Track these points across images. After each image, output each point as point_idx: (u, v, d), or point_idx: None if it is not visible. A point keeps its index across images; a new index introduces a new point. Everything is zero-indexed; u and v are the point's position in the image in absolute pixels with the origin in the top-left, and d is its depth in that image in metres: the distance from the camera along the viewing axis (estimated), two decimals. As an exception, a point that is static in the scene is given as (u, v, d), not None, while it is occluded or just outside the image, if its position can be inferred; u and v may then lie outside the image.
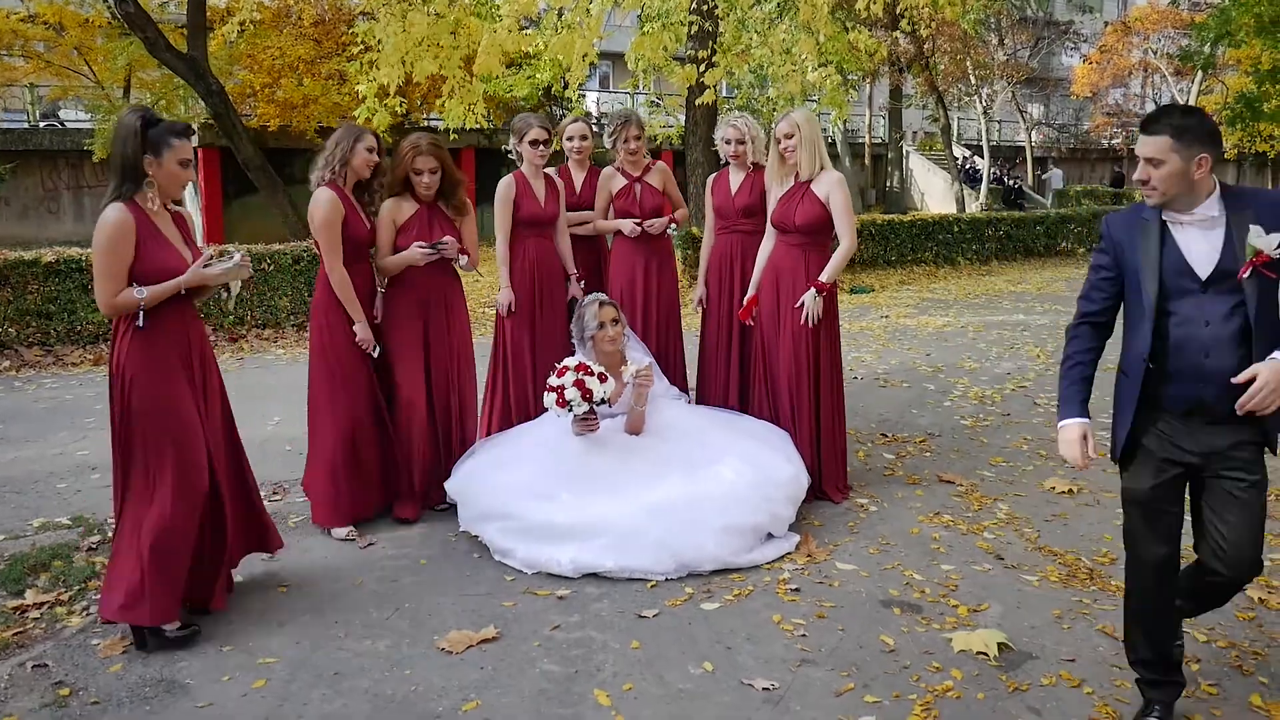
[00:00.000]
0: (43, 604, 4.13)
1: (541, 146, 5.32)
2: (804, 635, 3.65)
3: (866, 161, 30.86)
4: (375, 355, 4.74)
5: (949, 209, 24.21)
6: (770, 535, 4.45)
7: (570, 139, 5.83)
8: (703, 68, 12.28)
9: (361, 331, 4.66)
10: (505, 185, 5.38)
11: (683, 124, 17.78)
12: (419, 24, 9.94)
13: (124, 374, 3.56)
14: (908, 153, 30.58)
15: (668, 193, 5.79)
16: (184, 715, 3.20)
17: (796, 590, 4.03)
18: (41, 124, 22.58)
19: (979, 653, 3.51)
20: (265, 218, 18.01)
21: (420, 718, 3.14)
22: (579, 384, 4.24)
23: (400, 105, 12.69)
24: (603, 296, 4.73)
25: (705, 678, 3.36)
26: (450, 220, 4.93)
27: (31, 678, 3.46)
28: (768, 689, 3.28)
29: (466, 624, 3.74)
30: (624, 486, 4.33)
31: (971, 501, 5.11)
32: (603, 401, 4.30)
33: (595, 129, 5.90)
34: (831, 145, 29.14)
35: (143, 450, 3.58)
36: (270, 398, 7.52)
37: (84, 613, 3.99)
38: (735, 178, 5.61)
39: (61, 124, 22.96)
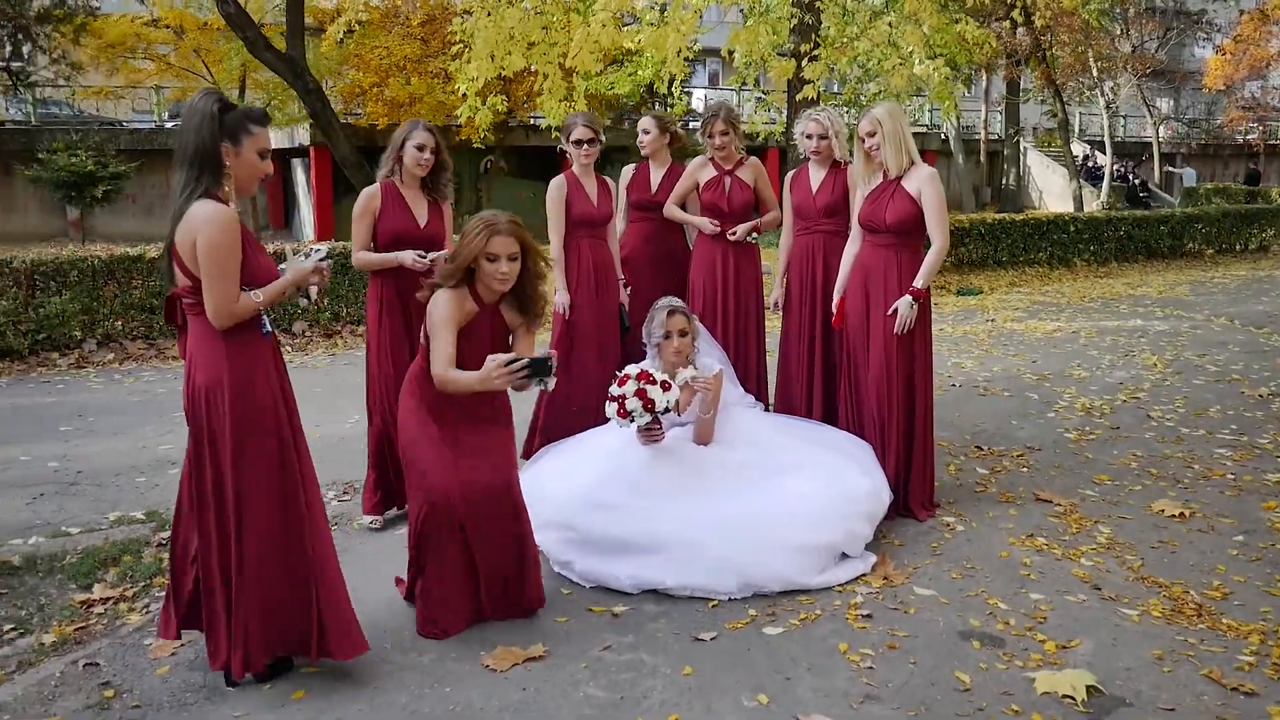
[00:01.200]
0: (108, 599, 4.15)
1: (586, 146, 5.23)
2: (871, 668, 3.38)
3: (982, 158, 29.85)
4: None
5: (1067, 208, 23.16)
6: (845, 555, 4.18)
7: (639, 134, 5.67)
8: (803, 62, 11.96)
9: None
10: (556, 185, 5.29)
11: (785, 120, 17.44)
12: (508, 18, 9.88)
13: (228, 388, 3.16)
14: (1025, 149, 29.44)
15: (759, 191, 5.55)
16: (220, 724, 3.13)
17: (868, 616, 3.76)
18: (168, 124, 23.55)
19: (1065, 696, 3.18)
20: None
21: (454, 740, 3.01)
22: (640, 393, 4.04)
23: (502, 103, 12.71)
24: (675, 303, 4.51)
25: (758, 711, 3.13)
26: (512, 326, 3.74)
27: (82, 676, 3.44)
28: (825, 727, 3.03)
29: (517, 639, 3.59)
30: (688, 499, 4.12)
31: (1069, 523, 4.73)
32: (666, 410, 4.09)
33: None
34: (944, 141, 28.28)
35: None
36: (355, 395, 7.54)
37: (144, 610, 3.99)
38: (816, 175, 5.34)
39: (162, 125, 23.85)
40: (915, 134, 27.51)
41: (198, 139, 3.08)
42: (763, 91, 18.42)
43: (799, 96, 12.37)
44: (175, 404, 7.31)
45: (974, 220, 15.41)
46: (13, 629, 4.01)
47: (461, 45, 12.73)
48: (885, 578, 4.10)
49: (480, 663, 3.44)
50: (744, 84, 17.69)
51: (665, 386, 4.06)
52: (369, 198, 4.63)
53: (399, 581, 3.98)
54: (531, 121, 22.75)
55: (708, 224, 5.41)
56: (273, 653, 3.33)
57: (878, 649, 3.51)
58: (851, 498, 4.23)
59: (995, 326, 10.76)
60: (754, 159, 5.55)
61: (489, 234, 3.45)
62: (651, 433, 4.19)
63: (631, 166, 5.85)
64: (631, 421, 4.10)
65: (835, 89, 19.55)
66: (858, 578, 4.09)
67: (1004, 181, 28.86)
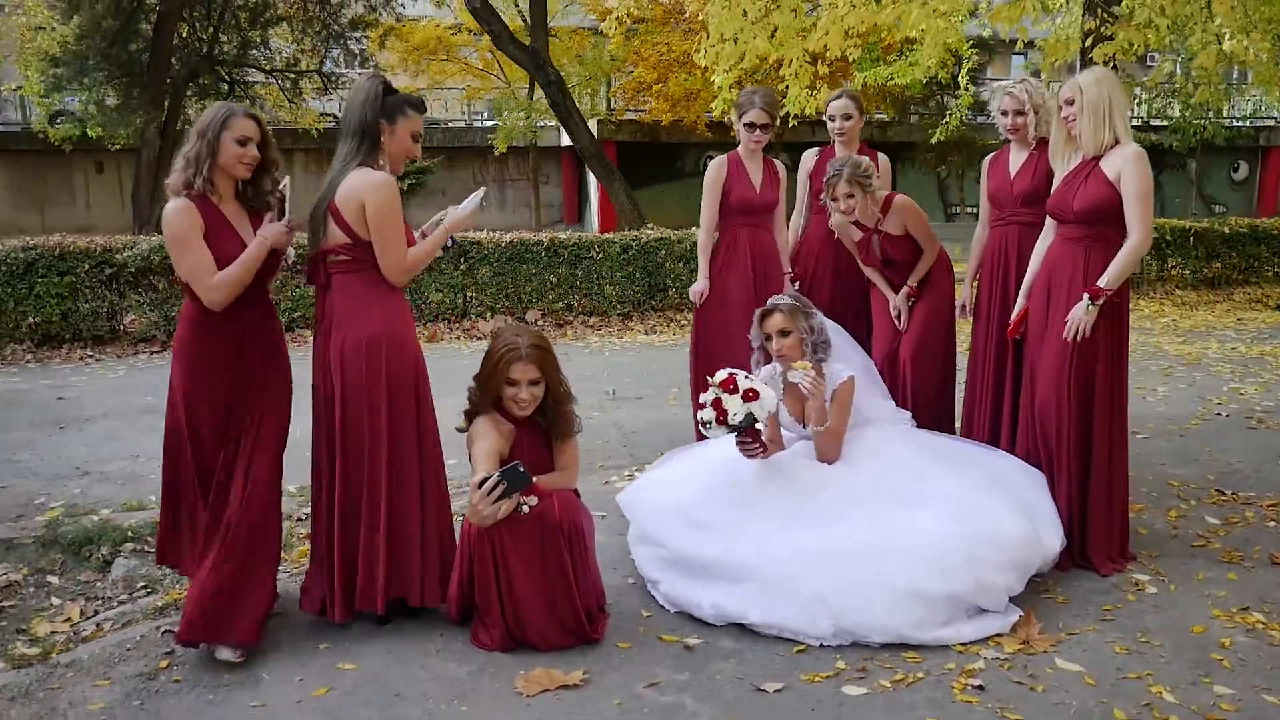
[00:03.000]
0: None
1: (759, 131, 4.77)
2: (953, 755, 2.74)
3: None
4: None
5: None
6: (983, 609, 3.48)
7: (831, 119, 5.11)
8: (1088, 41, 10.62)
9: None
10: (715, 166, 4.85)
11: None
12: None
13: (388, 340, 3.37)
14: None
15: (913, 235, 4.73)
16: (235, 711, 3.03)
17: (979, 688, 3.08)
18: (475, 122, 25.13)
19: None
20: (656, 208, 18.72)
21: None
22: (716, 403, 3.56)
23: (755, 92, 12.30)
24: (780, 300, 3.96)
25: (785, 789, 2.60)
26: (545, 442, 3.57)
27: (157, 643, 3.48)
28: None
29: (562, 662, 3.25)
30: (792, 525, 3.58)
31: (1308, 600, 3.71)
32: (743, 424, 3.57)
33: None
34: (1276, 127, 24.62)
35: None
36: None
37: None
38: (1016, 158, 4.57)
39: (484, 122, 25.37)
40: (1260, 127, 24.28)
41: (361, 115, 3.37)
42: (1058, 79, 16.73)
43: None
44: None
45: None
46: (144, 586, 4.21)
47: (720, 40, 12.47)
48: (1025, 641, 3.37)
49: (512, 681, 3.13)
50: (1037, 74, 16.18)
51: (749, 396, 3.53)
52: (187, 214, 3.23)
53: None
54: (816, 116, 22.17)
55: (892, 306, 4.79)
56: (392, 595, 3.45)
57: (975, 731, 2.85)
58: (992, 542, 3.51)
59: (1309, 348, 9.04)
60: (899, 198, 4.68)
61: (509, 361, 3.38)
62: (746, 446, 3.69)
63: (814, 152, 5.31)
64: (714, 433, 3.64)
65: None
66: (988, 638, 3.38)
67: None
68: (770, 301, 3.99)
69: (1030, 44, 12.13)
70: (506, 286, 10.32)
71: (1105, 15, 10.69)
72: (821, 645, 3.33)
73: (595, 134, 22.17)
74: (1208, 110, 18.84)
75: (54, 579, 4.31)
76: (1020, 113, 4.43)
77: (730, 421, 3.55)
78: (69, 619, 3.90)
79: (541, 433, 3.51)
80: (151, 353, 9.19)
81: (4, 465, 5.64)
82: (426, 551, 3.48)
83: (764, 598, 3.42)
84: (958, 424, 4.89)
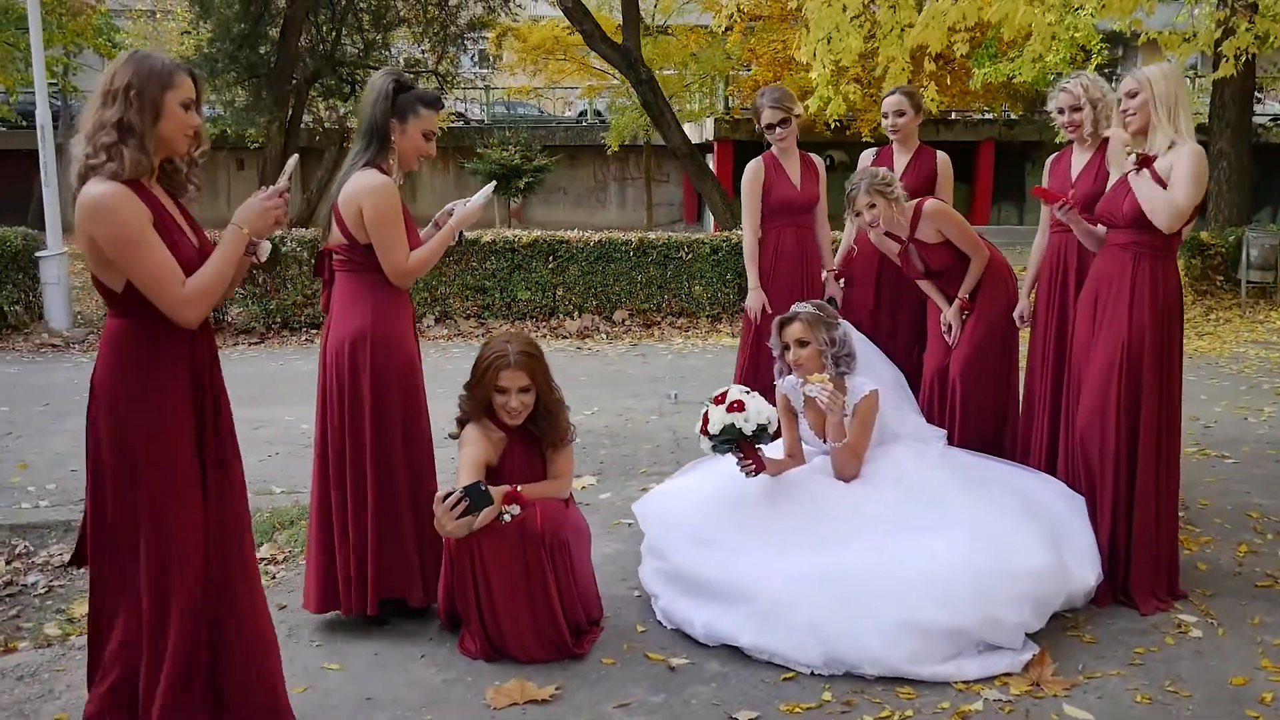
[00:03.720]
0: (263, 560, 4.35)
1: (779, 128, 4.64)
2: (919, 805, 2.55)
3: None
4: None
5: None
6: (993, 645, 3.25)
7: (885, 115, 4.89)
8: (1219, 33, 9.92)
9: None
10: (753, 167, 4.74)
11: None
12: (846, -9, 9.13)
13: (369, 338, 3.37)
14: None
15: (952, 240, 4.39)
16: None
17: (971, 731, 2.87)
18: (596, 121, 25.37)
19: None
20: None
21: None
22: (705, 415, 3.43)
23: (856, 92, 12.00)
24: (800, 308, 3.79)
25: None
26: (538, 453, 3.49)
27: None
28: None
29: (540, 674, 3.18)
30: (796, 546, 3.42)
31: (1377, 654, 3.33)
32: (729, 439, 3.43)
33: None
34: None
35: None
36: (619, 385, 7.50)
37: (283, 573, 4.10)
38: (1078, 159, 4.29)
39: (603, 121, 25.58)
40: None
41: (371, 113, 3.35)
42: (1194, 72, 15.78)
43: (1213, 76, 10.35)
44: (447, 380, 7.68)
45: None
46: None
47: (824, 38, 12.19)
48: (1035, 683, 3.12)
49: (483, 694, 3.09)
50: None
51: (734, 408, 3.38)
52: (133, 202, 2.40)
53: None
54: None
55: (943, 321, 4.49)
56: (384, 595, 3.44)
57: (953, 780, 2.65)
58: (1008, 574, 3.26)
59: None
60: (929, 203, 4.34)
61: (497, 368, 3.30)
62: (742, 463, 3.53)
63: (872, 151, 5.09)
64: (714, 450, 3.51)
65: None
66: (995, 677, 3.15)
67: None
68: (792, 309, 3.83)
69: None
70: (594, 285, 10.34)
71: (1238, 5, 9.99)
72: (812, 674, 3.17)
73: (712, 133, 22.07)
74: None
75: (102, 563, 4.49)
76: (1076, 108, 4.13)
77: (711, 432, 3.42)
78: (102, 603, 4.06)
79: (535, 440, 3.45)
80: (250, 344, 9.58)
81: (81, 450, 5.90)
82: (423, 552, 3.46)
83: (757, 621, 3.28)
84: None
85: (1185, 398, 6.13)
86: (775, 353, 3.86)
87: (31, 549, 4.63)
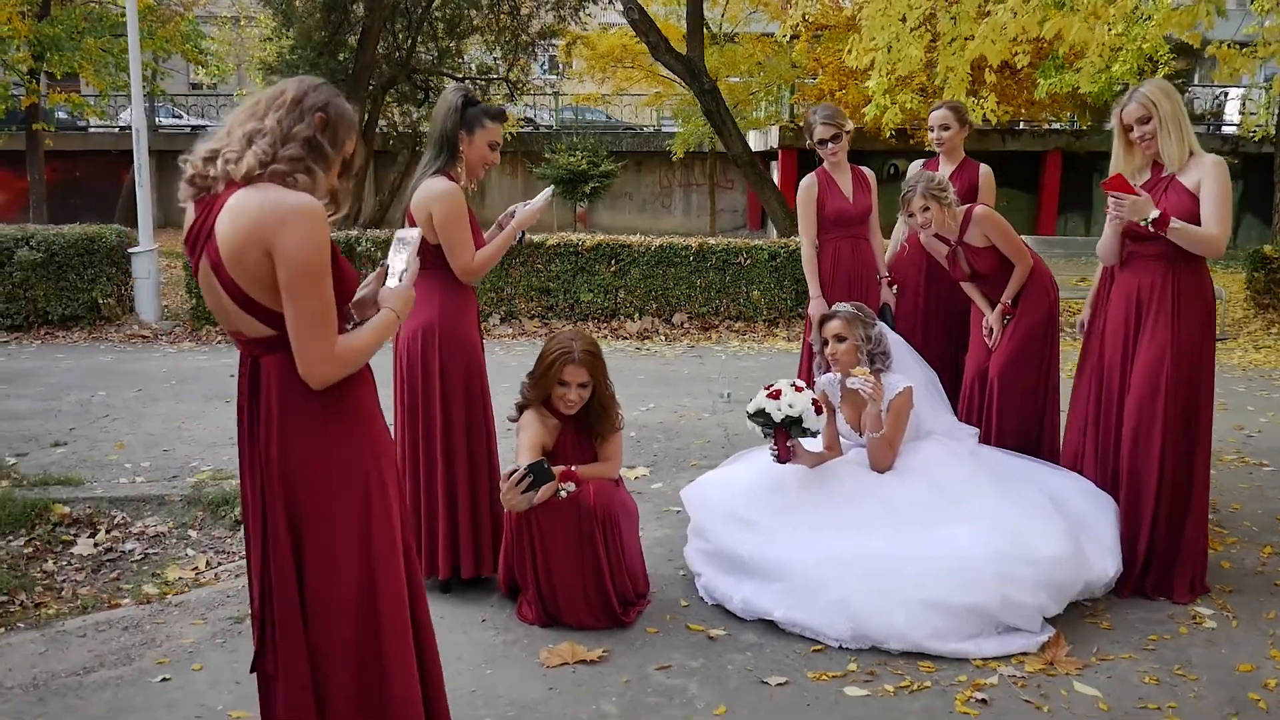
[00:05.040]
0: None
1: (831, 144, 4.87)
2: (927, 761, 2.80)
3: None
4: None
5: None
6: (1012, 626, 3.48)
7: (930, 129, 5.12)
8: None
9: None
10: (807, 184, 5.01)
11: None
12: (899, 2, 9.31)
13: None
14: None
15: (999, 246, 4.53)
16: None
17: (983, 702, 3.10)
18: (664, 128, 25.70)
19: None
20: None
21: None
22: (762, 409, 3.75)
23: (913, 100, 12.15)
24: (842, 307, 4.05)
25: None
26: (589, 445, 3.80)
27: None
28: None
29: (590, 639, 3.49)
30: (829, 530, 3.69)
31: (1388, 649, 3.48)
32: (770, 424, 3.71)
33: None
34: None
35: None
36: (675, 384, 7.77)
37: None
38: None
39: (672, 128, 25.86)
40: None
41: (442, 125, 3.70)
42: (1265, 83, 15.57)
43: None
44: (510, 374, 8.02)
45: None
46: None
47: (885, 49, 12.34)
48: (1050, 662, 3.35)
49: (538, 654, 3.40)
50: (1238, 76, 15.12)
51: (773, 395, 3.68)
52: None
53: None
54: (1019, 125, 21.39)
55: (990, 322, 4.66)
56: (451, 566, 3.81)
57: (961, 742, 2.90)
58: (1026, 559, 3.49)
59: None
60: (978, 209, 4.50)
61: (562, 363, 3.60)
62: (771, 449, 3.82)
63: (920, 163, 5.33)
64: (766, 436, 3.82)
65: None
66: (1011, 655, 3.38)
67: None
68: (833, 307, 4.10)
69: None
70: (655, 289, 10.63)
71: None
72: (840, 647, 3.44)
73: (777, 141, 22.24)
74: None
75: (193, 533, 4.92)
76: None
77: (749, 410, 3.77)
78: (195, 568, 4.47)
79: (585, 428, 3.76)
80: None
81: (172, 432, 6.40)
82: (479, 527, 3.81)
83: (791, 597, 3.55)
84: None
85: (1233, 408, 6.30)
86: (815, 348, 4.13)
87: (129, 520, 5.06)
